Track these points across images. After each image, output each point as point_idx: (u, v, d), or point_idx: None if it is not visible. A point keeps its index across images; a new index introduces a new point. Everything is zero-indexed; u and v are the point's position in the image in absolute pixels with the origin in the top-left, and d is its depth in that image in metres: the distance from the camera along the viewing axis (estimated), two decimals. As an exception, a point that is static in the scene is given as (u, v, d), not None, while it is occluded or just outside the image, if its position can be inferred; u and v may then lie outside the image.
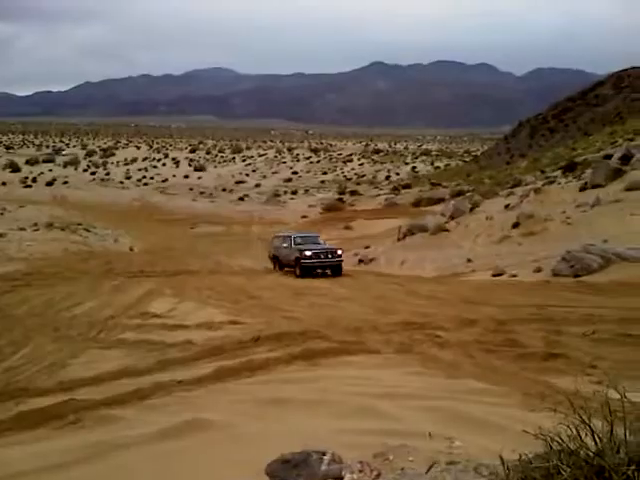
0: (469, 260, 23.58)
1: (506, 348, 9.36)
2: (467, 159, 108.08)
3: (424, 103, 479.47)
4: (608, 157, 38.98)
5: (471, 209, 35.56)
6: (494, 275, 20.13)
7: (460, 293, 16.73)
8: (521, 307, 13.27)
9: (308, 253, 24.32)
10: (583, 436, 2.03)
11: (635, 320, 10.95)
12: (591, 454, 1.88)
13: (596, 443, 1.91)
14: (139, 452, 6.09)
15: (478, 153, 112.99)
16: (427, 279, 21.44)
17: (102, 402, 8.04)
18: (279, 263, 26.31)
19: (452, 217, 34.42)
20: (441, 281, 20.64)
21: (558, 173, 41.79)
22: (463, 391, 7.18)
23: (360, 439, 5.78)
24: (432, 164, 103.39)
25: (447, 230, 31.00)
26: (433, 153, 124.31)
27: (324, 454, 4.75)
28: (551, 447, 2.12)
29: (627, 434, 1.94)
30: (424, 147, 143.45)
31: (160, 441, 6.36)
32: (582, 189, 32.46)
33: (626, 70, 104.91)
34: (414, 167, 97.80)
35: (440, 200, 47.18)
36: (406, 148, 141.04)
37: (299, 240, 26.05)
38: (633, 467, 1.77)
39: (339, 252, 25.03)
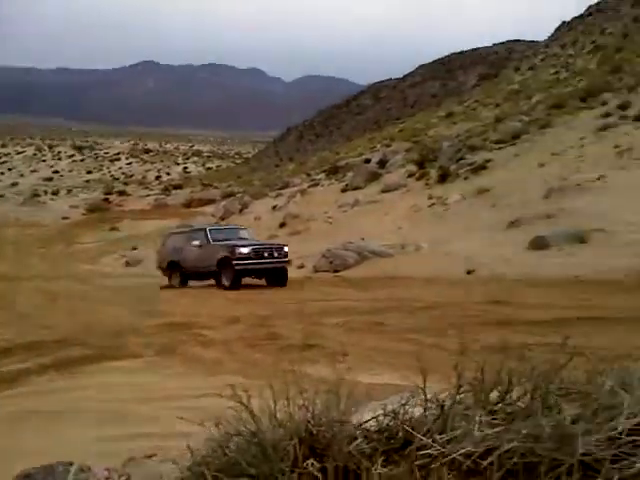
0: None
1: (267, 342, 9.61)
2: (238, 161, 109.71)
3: (195, 104, 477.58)
4: (367, 161, 42.00)
5: (241, 210, 36.22)
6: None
7: (226, 291, 16.90)
8: (284, 302, 13.76)
9: (245, 250, 17.50)
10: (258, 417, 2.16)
11: (384, 309, 11.87)
12: (250, 433, 2.03)
13: (256, 422, 2.06)
14: None
15: (249, 155, 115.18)
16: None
17: None
18: (182, 273, 19.32)
19: (222, 218, 34.78)
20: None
21: (322, 176, 44.07)
22: (222, 388, 7.21)
23: (116, 445, 5.52)
24: (204, 165, 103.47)
25: (216, 231, 31.13)
26: (205, 154, 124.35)
27: (71, 464, 4.49)
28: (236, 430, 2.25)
29: (293, 411, 2.12)
30: (196, 148, 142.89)
31: None
32: (344, 191, 34.62)
33: (383, 82, 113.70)
34: (185, 167, 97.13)
35: (211, 201, 47.51)
36: (177, 148, 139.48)
37: (218, 234, 19.26)
38: (295, 441, 1.91)
39: (286, 249, 18.30)
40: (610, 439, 1.54)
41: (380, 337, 9.65)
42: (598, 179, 21.37)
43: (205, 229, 19.55)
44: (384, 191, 31.11)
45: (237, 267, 17.24)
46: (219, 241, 18.55)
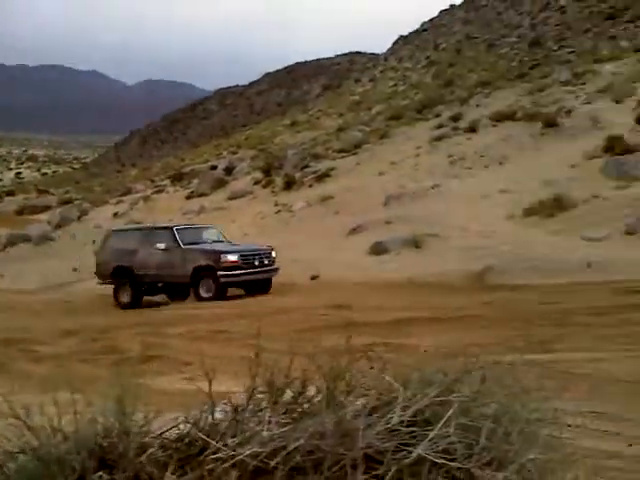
0: (75, 269, 22.82)
1: (103, 356, 9.24)
2: (77, 166, 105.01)
3: (30, 106, 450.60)
4: (214, 168, 41.74)
5: (79, 217, 34.64)
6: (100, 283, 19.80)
7: (60, 305, 16.11)
8: (125, 312, 13.33)
9: (232, 257, 14.32)
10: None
11: (229, 317, 11.82)
12: (31, 450, 1.98)
13: (37, 438, 2.02)
14: None
15: (88, 160, 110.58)
16: (30, 291, 20.18)
17: None
18: (135, 283, 15.42)
19: (59, 226, 33.05)
20: (45, 292, 19.61)
21: (167, 182, 43.24)
22: (51, 405, 6.80)
23: None
24: (39, 170, 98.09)
25: (53, 239, 29.59)
26: (40, 159, 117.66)
27: None
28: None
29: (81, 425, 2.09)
30: (30, 152, 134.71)
31: None
32: (189, 197, 34.16)
33: (229, 88, 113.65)
34: (19, 173, 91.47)
35: (47, 208, 45.08)
36: (10, 153, 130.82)
37: (189, 235, 15.60)
38: (82, 455, 1.87)
39: (274, 254, 15.50)
40: (392, 431, 1.61)
41: (224, 345, 9.57)
42: (433, 187, 22.60)
43: (172, 228, 15.78)
44: (230, 198, 31.04)
45: (222, 279, 13.96)
46: (191, 244, 15.18)
